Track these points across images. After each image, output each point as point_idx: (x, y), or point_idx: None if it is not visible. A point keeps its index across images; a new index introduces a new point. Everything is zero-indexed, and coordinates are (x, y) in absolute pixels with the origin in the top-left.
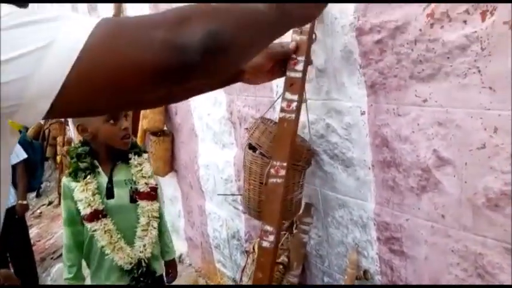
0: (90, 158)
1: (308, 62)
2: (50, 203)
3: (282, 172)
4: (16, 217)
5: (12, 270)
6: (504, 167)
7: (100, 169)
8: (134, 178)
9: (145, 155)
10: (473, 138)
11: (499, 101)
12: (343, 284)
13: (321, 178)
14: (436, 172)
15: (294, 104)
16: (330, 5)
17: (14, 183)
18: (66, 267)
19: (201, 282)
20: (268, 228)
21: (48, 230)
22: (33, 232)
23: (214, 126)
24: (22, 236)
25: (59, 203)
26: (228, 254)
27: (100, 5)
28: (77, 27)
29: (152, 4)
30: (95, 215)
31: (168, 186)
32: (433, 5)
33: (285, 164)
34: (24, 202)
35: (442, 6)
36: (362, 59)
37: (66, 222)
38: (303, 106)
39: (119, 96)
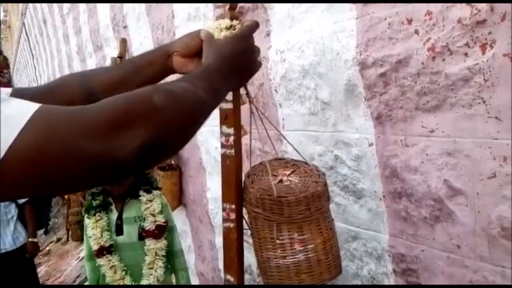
0: (104, 195)
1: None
2: (58, 240)
3: (233, 215)
4: (26, 256)
5: None
6: None
7: (113, 206)
8: (144, 215)
9: (155, 192)
10: (483, 167)
11: (506, 130)
12: None
13: (332, 210)
14: (449, 202)
15: (231, 138)
16: (331, 41)
17: (23, 222)
18: None
19: None
20: (230, 278)
21: (57, 268)
22: (42, 270)
23: None
24: (31, 276)
25: (68, 240)
26: None
27: (105, 44)
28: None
29: (153, 36)
30: (101, 251)
31: (177, 220)
32: (433, 39)
33: (233, 207)
34: (35, 240)
35: (443, 40)
36: (367, 91)
37: (87, 258)
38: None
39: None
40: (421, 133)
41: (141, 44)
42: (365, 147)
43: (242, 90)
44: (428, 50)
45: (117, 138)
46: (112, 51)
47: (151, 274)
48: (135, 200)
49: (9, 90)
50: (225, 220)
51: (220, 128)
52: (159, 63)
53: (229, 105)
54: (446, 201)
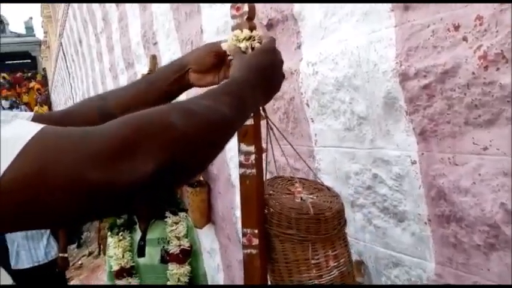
0: (129, 214)
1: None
2: (90, 254)
3: (255, 241)
4: (57, 270)
5: None
6: None
7: (137, 226)
8: (168, 237)
9: (182, 214)
10: None
11: None
12: None
13: (371, 233)
14: (506, 228)
15: (252, 157)
16: (367, 51)
17: (55, 236)
18: None
19: None
20: None
21: (88, 282)
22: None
23: None
24: None
25: (99, 253)
26: None
27: (136, 61)
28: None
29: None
30: (122, 273)
31: (206, 238)
32: (484, 46)
33: (256, 231)
34: (66, 255)
35: (496, 48)
36: (408, 105)
37: (107, 276)
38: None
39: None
40: (472, 150)
41: (171, 59)
42: (407, 165)
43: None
44: (479, 59)
45: (125, 163)
46: (143, 67)
47: None
48: (160, 221)
49: (30, 114)
50: (245, 246)
51: (239, 146)
52: (174, 78)
53: (249, 121)
54: (503, 227)
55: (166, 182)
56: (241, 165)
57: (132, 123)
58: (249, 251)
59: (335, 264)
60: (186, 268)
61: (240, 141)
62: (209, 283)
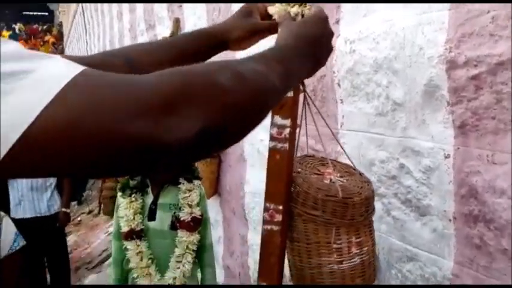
0: (142, 176)
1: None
2: (90, 212)
3: (278, 217)
4: (57, 225)
5: (48, 276)
6: None
7: (149, 189)
8: (180, 204)
9: (197, 182)
10: None
11: None
12: None
13: (388, 224)
14: None
15: (287, 131)
16: (414, 34)
17: (59, 191)
18: (111, 280)
19: None
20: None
21: (85, 239)
22: (70, 240)
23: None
24: (60, 243)
25: (99, 213)
26: None
27: (158, 23)
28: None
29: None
30: (131, 234)
31: (211, 209)
32: None
33: (280, 208)
34: (68, 211)
35: None
36: (451, 95)
37: (114, 236)
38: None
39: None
40: None
41: (195, 24)
42: (439, 158)
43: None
44: None
45: (172, 118)
46: (164, 30)
47: (178, 268)
48: (173, 186)
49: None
50: (267, 222)
51: (272, 118)
52: (212, 47)
53: (288, 93)
54: None
55: (208, 145)
56: (272, 138)
57: (179, 79)
58: (270, 226)
59: (357, 251)
60: (195, 236)
61: (274, 113)
62: None
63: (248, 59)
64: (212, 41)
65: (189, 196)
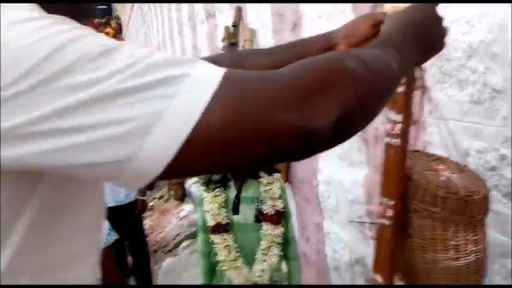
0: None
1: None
2: (160, 197)
3: (389, 212)
4: (136, 212)
5: (131, 259)
6: None
7: (231, 183)
8: (262, 197)
9: (276, 175)
10: None
11: None
12: None
13: (489, 218)
14: None
15: (398, 127)
16: None
17: None
18: (200, 272)
19: None
20: (379, 278)
21: (159, 224)
22: (146, 224)
23: None
24: (139, 229)
25: (169, 198)
26: (349, 279)
27: (218, 12)
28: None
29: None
30: (217, 228)
31: None
32: None
33: (391, 203)
34: (144, 198)
35: None
36: None
37: (201, 229)
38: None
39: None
40: None
41: (257, 14)
42: None
43: (418, 73)
44: None
45: (314, 107)
46: (225, 19)
47: (265, 260)
48: (253, 180)
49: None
50: (380, 216)
51: (387, 113)
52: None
53: (400, 88)
54: None
55: (344, 131)
56: (387, 133)
57: (312, 69)
58: (381, 221)
59: (474, 248)
60: (280, 230)
61: (389, 108)
62: None
63: (366, 47)
64: (322, 40)
65: (271, 189)
